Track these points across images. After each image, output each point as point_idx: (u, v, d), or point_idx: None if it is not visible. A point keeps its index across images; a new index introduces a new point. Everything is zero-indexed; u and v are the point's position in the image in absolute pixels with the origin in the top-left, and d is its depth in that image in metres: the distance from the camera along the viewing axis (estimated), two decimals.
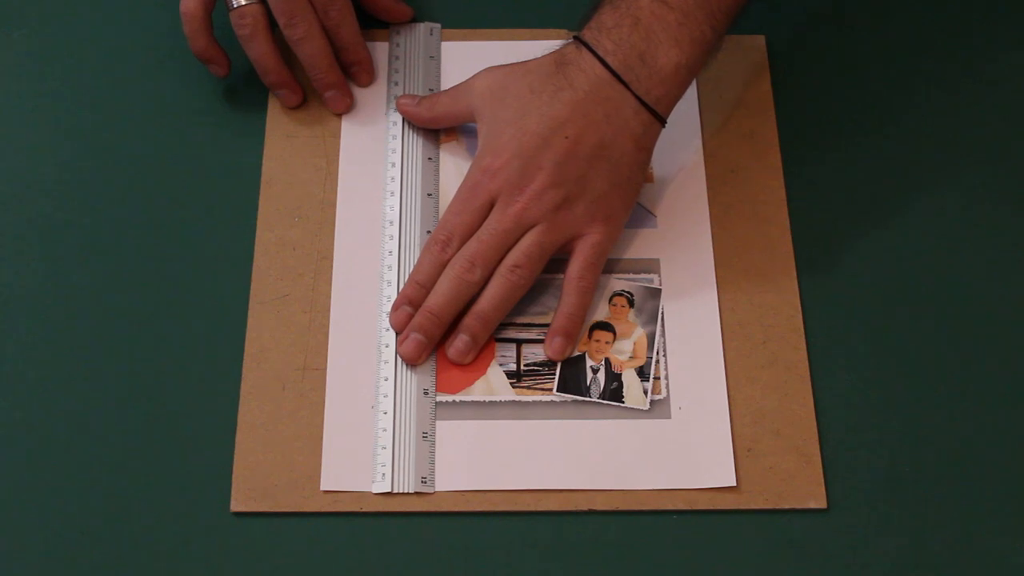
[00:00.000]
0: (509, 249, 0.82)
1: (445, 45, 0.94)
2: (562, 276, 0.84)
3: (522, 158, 0.82)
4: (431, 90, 0.92)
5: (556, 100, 0.82)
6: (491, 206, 0.83)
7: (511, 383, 0.82)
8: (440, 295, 0.82)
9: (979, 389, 0.82)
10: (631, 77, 0.82)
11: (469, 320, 0.82)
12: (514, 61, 0.85)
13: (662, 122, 0.83)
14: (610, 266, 0.86)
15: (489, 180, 0.83)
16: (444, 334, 0.82)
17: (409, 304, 0.82)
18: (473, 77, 0.86)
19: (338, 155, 0.90)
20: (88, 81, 0.92)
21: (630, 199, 0.84)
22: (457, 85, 0.88)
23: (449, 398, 0.81)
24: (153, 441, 0.80)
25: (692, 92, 0.92)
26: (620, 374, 0.82)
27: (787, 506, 0.78)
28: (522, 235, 0.82)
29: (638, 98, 0.82)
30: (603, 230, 0.83)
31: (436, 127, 0.90)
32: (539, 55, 0.85)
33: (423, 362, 0.82)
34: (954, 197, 0.89)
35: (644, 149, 0.83)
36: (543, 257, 0.82)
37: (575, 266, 0.83)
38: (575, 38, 0.83)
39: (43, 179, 0.89)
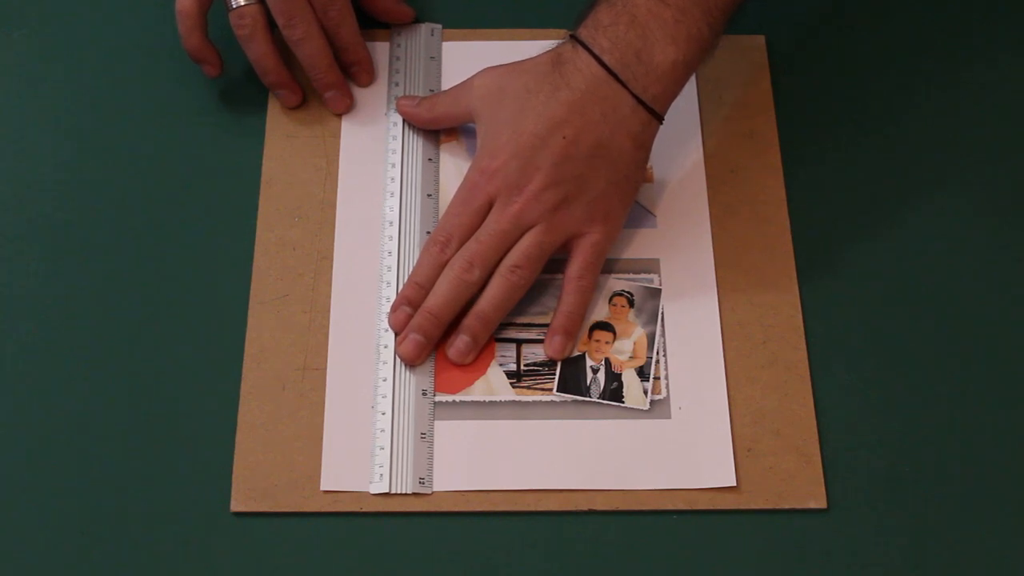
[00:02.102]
0: (508, 249, 0.82)
1: (446, 46, 0.94)
2: (562, 276, 0.84)
3: (520, 159, 0.82)
4: (432, 91, 0.92)
5: (553, 100, 0.82)
6: (490, 207, 0.83)
7: (511, 383, 0.82)
8: (439, 296, 0.82)
9: (979, 389, 0.82)
10: (628, 75, 0.81)
11: (469, 320, 0.82)
12: (515, 61, 0.85)
13: (660, 120, 0.83)
14: (610, 266, 0.86)
15: (487, 181, 0.82)
16: (444, 334, 0.82)
17: (408, 304, 0.82)
18: (472, 77, 0.86)
19: (338, 155, 0.90)
20: (88, 81, 0.92)
21: (629, 198, 0.84)
22: (456, 86, 0.88)
23: (449, 398, 0.81)
24: (153, 441, 0.80)
25: (692, 92, 0.92)
26: (620, 374, 0.82)
27: (787, 506, 0.78)
28: (521, 235, 0.82)
29: (635, 96, 0.82)
30: (602, 229, 0.83)
31: (436, 128, 0.90)
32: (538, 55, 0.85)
33: (422, 362, 0.82)
34: (954, 197, 0.89)
35: (642, 147, 0.83)
36: (542, 257, 0.82)
37: (574, 266, 0.83)
38: (571, 36, 0.83)
39: (43, 179, 0.89)
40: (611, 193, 0.83)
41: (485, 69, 0.86)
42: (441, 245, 0.83)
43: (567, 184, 0.82)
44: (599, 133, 0.82)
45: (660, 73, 0.82)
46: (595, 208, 0.83)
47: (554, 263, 0.84)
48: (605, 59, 0.82)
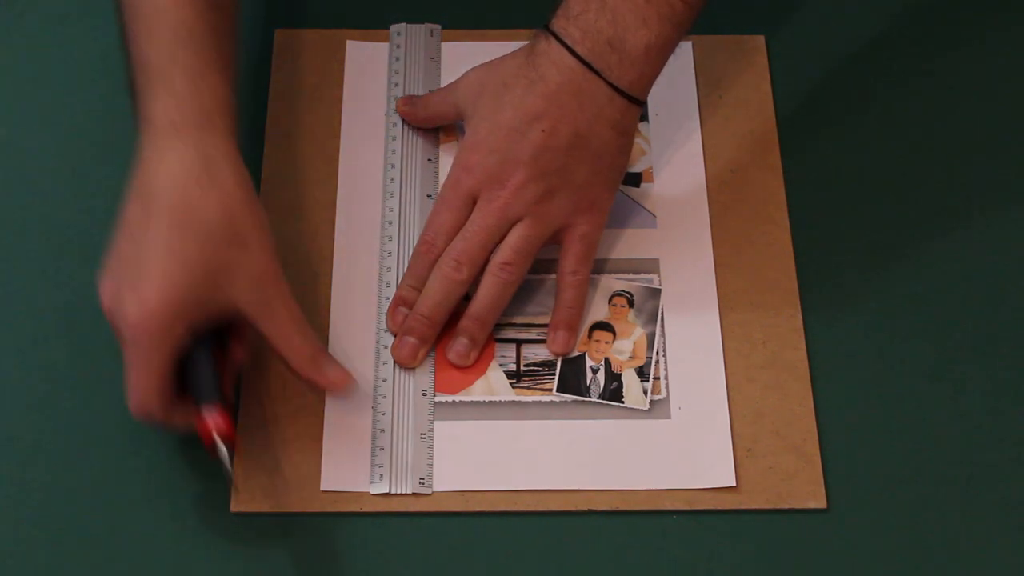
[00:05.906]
0: (495, 245, 0.81)
1: (445, 46, 0.94)
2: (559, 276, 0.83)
3: (499, 153, 0.81)
4: (430, 91, 0.92)
5: (529, 93, 0.81)
6: (473, 202, 0.82)
7: (511, 383, 0.82)
8: (429, 296, 0.81)
9: (979, 389, 0.82)
10: (602, 64, 0.80)
11: (465, 323, 0.82)
12: (497, 57, 0.85)
13: (640, 104, 0.82)
14: (610, 266, 0.86)
15: (468, 176, 0.82)
16: (441, 333, 0.82)
17: (404, 306, 0.82)
18: (460, 76, 0.86)
19: (338, 156, 0.90)
20: (88, 81, 0.92)
21: (614, 184, 0.84)
22: (447, 84, 0.88)
23: (449, 398, 0.81)
24: (153, 441, 0.80)
25: (692, 92, 0.92)
26: (620, 374, 0.82)
27: (787, 506, 0.78)
28: (507, 230, 0.81)
29: (611, 84, 0.81)
30: (590, 220, 0.82)
31: (430, 126, 0.90)
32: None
33: (419, 365, 0.82)
34: (954, 197, 0.89)
35: (624, 133, 0.82)
36: (531, 252, 0.82)
37: (568, 261, 0.82)
38: (545, 27, 0.83)
39: (43, 179, 0.89)
40: (595, 182, 0.82)
41: (472, 67, 0.86)
42: (428, 245, 0.82)
43: (549, 176, 0.81)
44: (577, 124, 0.81)
45: (634, 58, 0.80)
46: (580, 199, 0.82)
47: (552, 264, 0.84)
48: (577, 49, 0.81)
